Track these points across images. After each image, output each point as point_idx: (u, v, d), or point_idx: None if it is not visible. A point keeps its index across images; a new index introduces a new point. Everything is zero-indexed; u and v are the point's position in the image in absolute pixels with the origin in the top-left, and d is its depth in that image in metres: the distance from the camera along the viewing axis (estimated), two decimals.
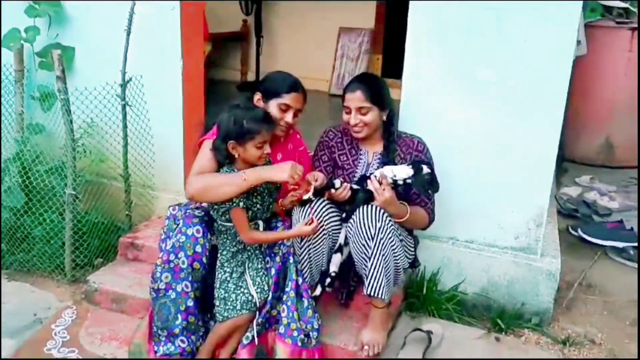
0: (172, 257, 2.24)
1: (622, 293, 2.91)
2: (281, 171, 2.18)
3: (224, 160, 2.24)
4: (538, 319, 2.63)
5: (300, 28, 6.45)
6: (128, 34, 2.75)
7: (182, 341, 2.28)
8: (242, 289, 2.27)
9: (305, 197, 2.24)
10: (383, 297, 2.25)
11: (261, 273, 2.31)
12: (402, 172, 2.27)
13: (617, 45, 4.47)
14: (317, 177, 2.26)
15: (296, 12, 6.45)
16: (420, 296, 2.67)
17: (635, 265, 3.14)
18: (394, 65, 6.27)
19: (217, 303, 2.28)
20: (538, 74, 2.44)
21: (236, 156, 2.21)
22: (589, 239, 3.33)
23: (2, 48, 3.19)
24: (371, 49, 6.29)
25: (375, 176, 2.27)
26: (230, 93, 6.13)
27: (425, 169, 2.25)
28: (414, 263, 2.57)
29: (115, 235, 3.12)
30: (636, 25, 4.56)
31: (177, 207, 2.47)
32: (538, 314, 2.63)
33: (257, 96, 2.46)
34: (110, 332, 2.56)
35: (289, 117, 2.40)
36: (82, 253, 2.94)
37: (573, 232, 3.41)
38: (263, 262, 2.35)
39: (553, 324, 2.66)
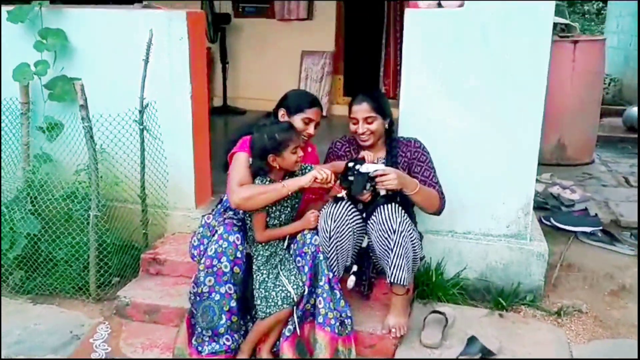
0: (214, 262, 2.44)
1: (598, 269, 3.33)
2: (308, 174, 2.48)
3: (260, 172, 2.50)
4: (532, 296, 2.98)
5: (263, 53, 6.76)
6: (146, 63, 2.96)
7: (227, 339, 2.48)
8: (280, 287, 2.50)
9: (339, 195, 2.52)
10: (405, 283, 2.53)
11: (294, 272, 2.55)
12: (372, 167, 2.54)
13: (562, 56, 5.01)
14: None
15: (259, 38, 6.78)
16: (429, 284, 2.97)
17: (604, 245, 3.58)
18: (354, 84, 6.72)
19: (258, 302, 2.50)
20: (519, 81, 2.82)
21: (276, 167, 2.48)
22: (561, 226, 3.75)
23: (2, 81, 3.33)
24: (333, 70, 6.66)
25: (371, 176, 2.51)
26: None
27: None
28: None
29: (129, 255, 3.27)
30: (577, 39, 5.13)
31: (211, 216, 2.69)
32: (532, 292, 2.99)
33: (282, 112, 2.76)
34: (149, 341, 2.72)
35: (310, 129, 2.71)
36: (105, 273, 3.08)
37: (546, 221, 3.82)
38: (294, 262, 2.59)
39: (545, 299, 3.02)
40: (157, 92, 3.17)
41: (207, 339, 2.49)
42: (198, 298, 2.49)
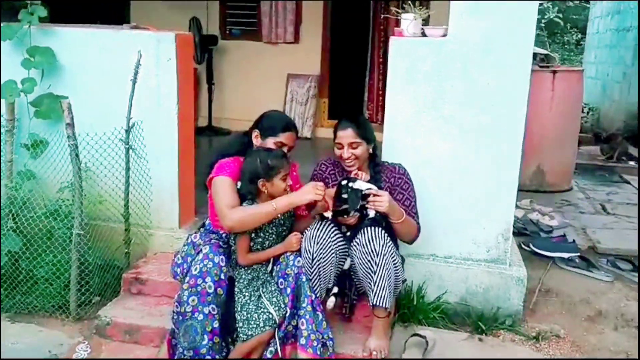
0: (199, 281, 2.45)
1: (575, 294, 3.38)
2: (305, 193, 2.49)
3: (248, 196, 2.54)
4: (511, 321, 3.02)
5: (250, 75, 6.84)
6: (134, 83, 2.99)
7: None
8: (261, 309, 2.51)
9: (326, 214, 2.55)
10: (387, 306, 2.55)
11: (276, 294, 2.56)
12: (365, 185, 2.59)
13: (542, 85, 5.14)
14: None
15: (246, 60, 6.86)
16: (411, 307, 3.00)
17: (581, 271, 3.64)
18: (339, 108, 6.81)
19: (239, 325, 2.50)
20: (499, 109, 2.89)
21: (265, 192, 2.51)
22: (539, 251, 3.81)
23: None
24: (318, 94, 6.74)
25: (365, 193, 2.56)
26: None
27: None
28: None
29: (110, 274, 3.24)
30: (556, 69, 5.26)
31: (197, 235, 2.70)
32: (511, 316, 3.03)
33: (255, 133, 2.77)
34: None
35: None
36: (86, 291, 3.05)
37: (525, 247, 3.88)
38: (276, 284, 2.60)
39: (523, 324, 3.06)
40: (144, 112, 3.20)
41: (187, 356, 2.49)
42: (181, 317, 2.49)
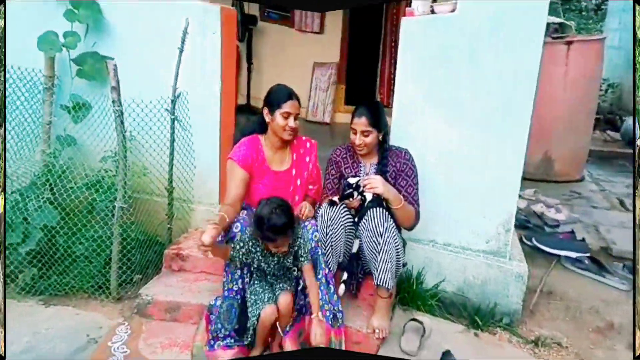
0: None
1: (583, 301, 3.19)
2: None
3: None
4: (508, 319, 3.02)
5: (281, 59, 7.18)
6: (181, 52, 3.00)
7: (246, 338, 2.68)
8: (267, 289, 2.69)
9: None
10: (389, 287, 2.76)
11: (284, 278, 2.74)
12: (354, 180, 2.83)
13: (554, 59, 4.60)
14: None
15: (280, 44, 7.18)
16: (410, 292, 3.11)
17: (591, 274, 3.45)
18: (354, 93, 7.03)
19: (249, 309, 2.64)
20: (506, 93, 2.88)
21: None
22: (543, 248, 3.64)
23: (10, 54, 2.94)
24: (337, 80, 7.07)
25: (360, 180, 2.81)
26: None
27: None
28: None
29: (152, 250, 3.18)
30: (571, 39, 4.64)
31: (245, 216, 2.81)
32: (508, 315, 3.03)
33: (265, 110, 2.91)
34: (169, 340, 2.77)
35: (291, 122, 2.85)
36: (127, 269, 2.97)
37: (527, 241, 3.73)
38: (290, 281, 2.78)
39: (521, 325, 3.00)
40: (187, 84, 3.18)
41: (222, 334, 2.69)
42: (227, 293, 2.70)
